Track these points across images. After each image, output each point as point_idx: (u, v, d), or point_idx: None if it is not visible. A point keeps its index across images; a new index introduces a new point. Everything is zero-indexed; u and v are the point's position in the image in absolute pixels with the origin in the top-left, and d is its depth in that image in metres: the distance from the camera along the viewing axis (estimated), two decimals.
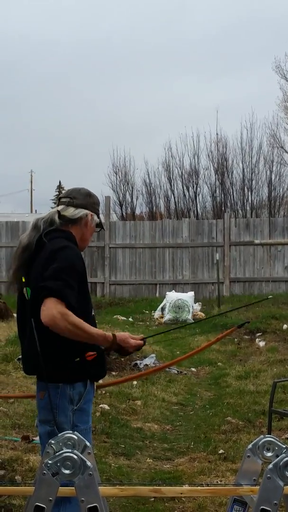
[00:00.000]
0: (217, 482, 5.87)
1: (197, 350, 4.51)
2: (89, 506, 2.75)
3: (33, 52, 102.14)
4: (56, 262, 3.61)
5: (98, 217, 4.05)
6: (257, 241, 20.62)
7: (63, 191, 4.08)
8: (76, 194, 3.98)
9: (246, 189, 30.03)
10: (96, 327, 3.82)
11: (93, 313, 3.90)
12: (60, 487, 2.79)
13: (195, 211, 30.40)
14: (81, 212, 3.92)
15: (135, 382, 9.79)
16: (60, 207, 3.94)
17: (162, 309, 17.53)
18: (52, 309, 3.47)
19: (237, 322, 15.35)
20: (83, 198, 3.96)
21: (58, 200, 4.05)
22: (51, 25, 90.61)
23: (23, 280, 3.77)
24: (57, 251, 3.68)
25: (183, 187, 30.83)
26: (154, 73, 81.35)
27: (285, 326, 14.42)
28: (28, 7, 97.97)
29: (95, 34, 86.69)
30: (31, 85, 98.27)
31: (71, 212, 3.91)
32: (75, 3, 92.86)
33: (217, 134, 32.90)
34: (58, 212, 3.90)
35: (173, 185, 31.01)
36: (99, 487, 2.82)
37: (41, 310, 3.50)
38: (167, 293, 18.23)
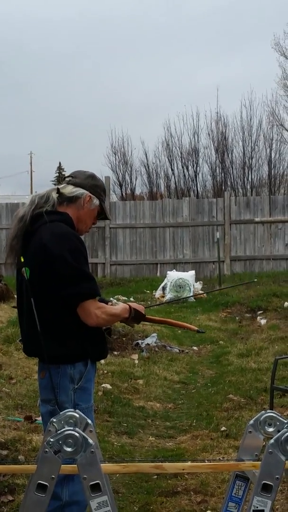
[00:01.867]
0: (219, 459, 5.89)
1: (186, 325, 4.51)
2: (91, 483, 2.76)
3: (35, 32, 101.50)
4: (66, 256, 3.61)
5: (101, 203, 3.98)
6: (257, 219, 20.60)
7: (64, 173, 4.07)
8: (78, 174, 3.97)
9: (246, 168, 29.94)
10: None
11: None
12: (62, 465, 2.80)
13: (195, 190, 30.35)
14: (78, 191, 3.88)
15: (136, 362, 9.82)
16: (61, 185, 3.94)
17: (163, 288, 17.55)
18: (91, 312, 3.65)
19: (238, 301, 15.49)
20: (84, 179, 3.93)
21: (63, 179, 4.05)
22: (54, 6, 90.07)
23: (22, 260, 3.74)
24: (60, 239, 3.65)
25: (183, 167, 30.75)
26: (154, 52, 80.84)
27: (286, 304, 14.43)
28: None
29: (96, 14, 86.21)
30: (31, 66, 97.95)
31: (69, 189, 3.89)
32: None
33: (217, 112, 32.87)
34: (57, 189, 3.89)
35: (173, 164, 30.94)
36: (101, 465, 2.83)
37: (81, 314, 3.64)
38: (168, 272, 18.24)
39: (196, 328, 4.39)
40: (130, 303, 4.00)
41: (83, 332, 3.69)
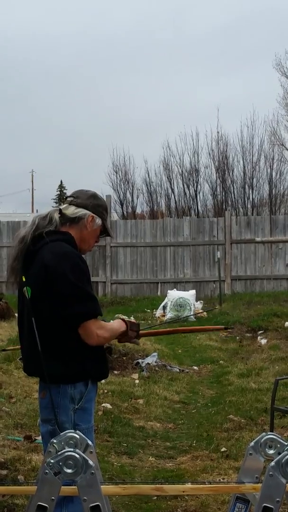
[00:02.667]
0: (219, 480, 5.87)
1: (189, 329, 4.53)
2: (91, 505, 2.75)
3: (35, 49, 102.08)
4: (68, 275, 3.62)
5: (104, 221, 3.97)
6: (258, 239, 20.62)
7: (66, 192, 4.08)
8: (80, 194, 3.95)
9: (247, 187, 29.99)
10: None
11: None
12: (62, 487, 2.79)
13: (196, 209, 30.38)
14: (81, 212, 3.88)
15: (137, 381, 9.80)
16: (63, 206, 3.94)
17: (164, 307, 17.53)
18: (93, 332, 3.67)
19: (238, 320, 15.47)
20: (86, 199, 3.92)
21: (64, 199, 4.04)
22: (54, 23, 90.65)
23: (23, 279, 3.75)
24: (62, 258, 3.66)
25: (183, 186, 30.80)
26: (155, 72, 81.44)
27: (286, 324, 14.41)
28: (31, 3, 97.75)
29: (98, 31, 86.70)
30: (33, 83, 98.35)
31: (71, 211, 3.88)
32: None
33: (218, 132, 32.94)
34: (60, 210, 3.89)
35: (173, 183, 30.98)
36: (102, 486, 2.82)
37: (83, 334, 3.65)
38: (169, 291, 18.23)
39: (222, 327, 4.39)
40: (124, 319, 4.03)
41: (84, 352, 3.69)
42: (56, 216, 3.84)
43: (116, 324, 3.90)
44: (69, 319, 3.63)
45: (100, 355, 3.81)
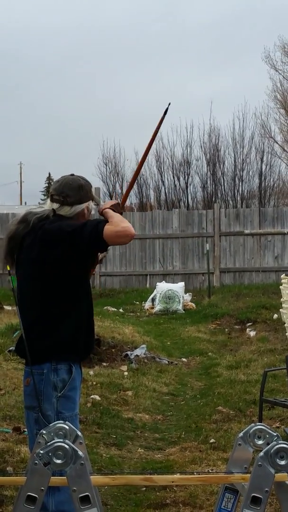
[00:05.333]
0: (208, 471, 5.89)
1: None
2: (81, 495, 2.76)
3: (25, 41, 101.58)
4: (66, 226, 3.73)
5: (93, 199, 4.02)
6: (247, 231, 20.64)
7: (53, 183, 4.03)
8: (68, 191, 3.88)
9: (237, 180, 30.02)
10: (92, 312, 3.98)
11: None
12: (51, 477, 2.79)
13: (186, 201, 30.38)
14: (78, 208, 3.90)
15: (126, 373, 9.80)
16: (55, 206, 3.89)
17: (153, 299, 17.55)
18: (118, 226, 3.61)
19: (227, 312, 15.51)
20: (76, 194, 3.90)
21: (51, 196, 3.95)
22: (46, 13, 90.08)
23: (8, 268, 3.83)
24: (52, 222, 3.78)
25: (174, 178, 30.80)
26: (148, 63, 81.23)
27: (275, 316, 14.45)
28: None
29: (90, 25, 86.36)
30: (22, 75, 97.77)
31: (67, 211, 3.89)
32: None
33: (210, 125, 32.93)
34: (53, 210, 3.88)
35: (164, 175, 30.97)
36: (91, 477, 2.83)
37: (113, 238, 3.59)
38: (158, 283, 18.25)
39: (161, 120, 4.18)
40: (106, 206, 3.86)
41: (68, 327, 3.77)
42: (51, 215, 3.87)
43: (113, 214, 3.76)
44: (91, 238, 3.61)
45: (84, 330, 3.87)
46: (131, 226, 3.66)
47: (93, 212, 4.07)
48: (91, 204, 3.98)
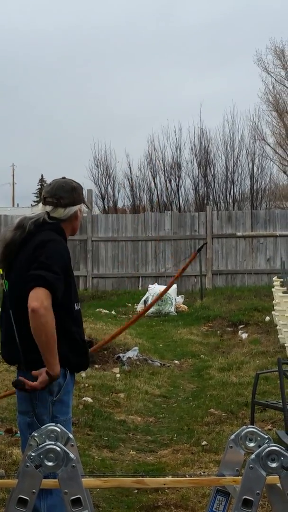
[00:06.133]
0: (200, 473, 5.89)
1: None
2: (72, 498, 2.76)
3: (19, 43, 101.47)
4: (46, 253, 3.68)
5: (85, 203, 4.08)
6: (239, 234, 20.67)
7: (46, 186, 4.05)
8: (61, 193, 3.91)
9: (228, 182, 30.04)
10: (81, 321, 3.95)
11: (78, 307, 3.90)
12: (43, 479, 2.79)
13: (178, 204, 30.40)
14: (71, 210, 3.93)
15: (118, 375, 9.80)
16: (48, 208, 3.91)
17: (145, 301, 17.55)
18: (42, 300, 3.54)
19: (219, 315, 15.52)
20: (70, 195, 3.92)
21: (44, 199, 3.97)
22: (41, 15, 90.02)
23: (1, 272, 3.82)
24: (47, 242, 3.74)
25: (165, 180, 30.81)
26: (141, 65, 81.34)
27: (267, 318, 14.48)
28: None
29: (83, 27, 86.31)
30: (14, 76, 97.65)
31: (61, 213, 3.92)
32: None
33: (200, 127, 32.95)
34: (47, 213, 3.89)
35: (156, 178, 30.97)
36: (83, 479, 2.83)
37: (30, 295, 3.54)
38: (150, 285, 18.26)
39: (193, 256, 4.26)
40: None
41: (63, 341, 3.72)
42: (46, 218, 3.88)
43: (56, 357, 3.63)
44: (30, 278, 3.59)
45: (80, 346, 3.83)
46: (43, 317, 3.52)
47: (85, 214, 4.10)
48: (83, 207, 4.02)
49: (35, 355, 3.65)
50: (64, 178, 4.04)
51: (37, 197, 62.00)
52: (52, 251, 3.70)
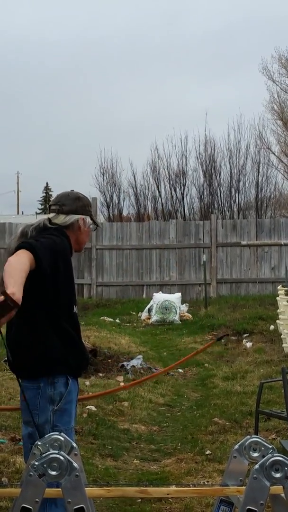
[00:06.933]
0: (204, 482, 5.87)
1: (188, 356, 4.48)
2: (75, 507, 2.74)
3: (25, 50, 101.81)
4: (44, 242, 3.59)
5: (92, 218, 4.05)
6: (244, 242, 20.66)
7: (52, 197, 4.09)
8: (64, 200, 3.96)
9: (233, 190, 30.03)
10: (78, 324, 3.91)
11: (75, 310, 3.89)
12: (46, 489, 2.78)
13: (183, 212, 30.40)
14: (72, 218, 3.93)
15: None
16: (51, 215, 3.95)
17: (149, 310, 17.54)
18: (19, 254, 3.37)
19: (224, 323, 15.51)
20: (72, 203, 3.96)
21: (49, 207, 4.05)
22: (44, 25, 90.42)
23: None
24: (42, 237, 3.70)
25: (170, 189, 30.82)
26: (146, 73, 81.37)
27: (271, 327, 14.45)
28: (21, 5, 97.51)
29: (89, 36, 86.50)
30: (20, 83, 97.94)
31: (62, 219, 3.92)
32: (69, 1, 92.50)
33: (205, 135, 33.00)
34: (49, 219, 3.91)
35: (160, 186, 30.99)
36: (86, 488, 2.82)
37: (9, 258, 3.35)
38: (154, 294, 18.24)
39: (213, 340, 4.26)
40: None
41: (62, 343, 3.73)
42: (48, 224, 3.87)
43: (18, 281, 3.19)
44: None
45: (77, 347, 3.83)
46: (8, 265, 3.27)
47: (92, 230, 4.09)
48: (88, 219, 3.99)
49: (36, 363, 3.67)
50: (72, 191, 4.09)
51: (41, 204, 62.12)
52: (45, 239, 3.62)
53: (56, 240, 3.71)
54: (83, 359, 3.91)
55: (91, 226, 4.05)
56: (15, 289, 3.10)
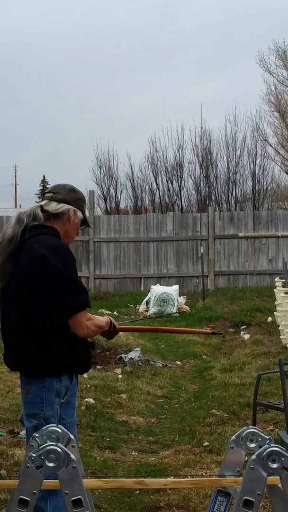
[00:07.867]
0: (202, 474, 5.89)
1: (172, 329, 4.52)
2: (73, 498, 2.76)
3: (23, 46, 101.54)
4: (61, 268, 3.70)
5: (83, 214, 4.04)
6: (241, 234, 20.66)
7: (48, 187, 4.10)
8: (59, 190, 3.98)
9: (230, 183, 30.01)
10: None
11: None
12: (44, 480, 2.79)
13: (180, 204, 30.39)
14: (64, 207, 3.92)
15: (120, 376, 9.80)
16: (43, 202, 3.96)
17: (147, 302, 17.55)
18: (83, 324, 3.71)
19: (221, 315, 15.53)
20: (66, 193, 3.96)
21: (43, 195, 4.06)
22: (44, 19, 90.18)
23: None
24: (54, 251, 3.72)
25: (167, 181, 30.79)
26: (143, 68, 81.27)
27: (269, 319, 14.48)
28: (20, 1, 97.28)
29: (87, 31, 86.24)
30: (17, 78, 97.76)
31: (53, 206, 3.91)
32: None
33: (201, 127, 32.93)
34: (41, 206, 3.90)
35: (158, 178, 30.97)
36: (84, 480, 2.83)
37: (73, 325, 3.69)
38: (152, 286, 18.26)
39: (209, 331, 4.43)
40: (109, 317, 4.09)
41: (67, 344, 3.72)
42: (39, 212, 3.86)
43: (104, 321, 3.97)
44: (62, 310, 3.67)
45: (83, 347, 3.83)
46: (94, 333, 3.85)
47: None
48: (79, 213, 3.98)
49: (41, 361, 3.67)
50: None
51: (39, 198, 61.99)
52: (64, 262, 3.75)
53: (68, 253, 3.84)
54: (88, 361, 3.93)
55: (80, 222, 4.03)
56: (109, 319, 4.05)
